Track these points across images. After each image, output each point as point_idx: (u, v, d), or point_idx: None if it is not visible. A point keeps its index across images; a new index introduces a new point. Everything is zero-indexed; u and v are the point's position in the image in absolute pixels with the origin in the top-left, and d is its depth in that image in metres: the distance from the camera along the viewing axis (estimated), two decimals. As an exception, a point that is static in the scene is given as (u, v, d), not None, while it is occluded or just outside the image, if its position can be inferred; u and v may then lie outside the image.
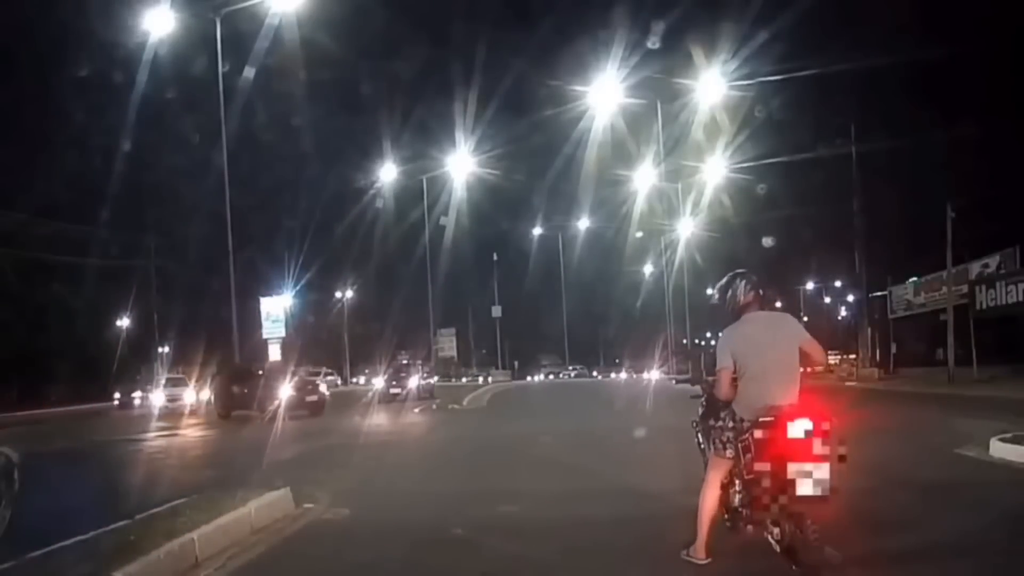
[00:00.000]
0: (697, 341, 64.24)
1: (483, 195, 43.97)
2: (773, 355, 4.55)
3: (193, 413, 25.66)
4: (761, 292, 4.76)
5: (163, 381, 26.93)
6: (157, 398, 25.62)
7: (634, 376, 61.08)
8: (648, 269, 56.40)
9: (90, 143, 35.10)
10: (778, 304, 5.08)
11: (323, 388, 23.60)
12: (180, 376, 28.48)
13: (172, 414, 24.86)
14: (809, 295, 60.03)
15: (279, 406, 20.36)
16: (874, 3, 33.31)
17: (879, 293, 39.67)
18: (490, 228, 54.28)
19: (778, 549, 4.49)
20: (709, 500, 4.80)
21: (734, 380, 4.63)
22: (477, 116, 37.56)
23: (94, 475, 10.73)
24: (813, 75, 29.04)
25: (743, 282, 4.79)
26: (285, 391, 21.24)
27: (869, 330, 37.77)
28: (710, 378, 5.41)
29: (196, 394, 27.67)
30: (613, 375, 65.44)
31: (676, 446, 7.52)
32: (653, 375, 52.63)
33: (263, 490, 6.90)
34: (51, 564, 4.88)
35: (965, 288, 29.85)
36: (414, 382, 30.76)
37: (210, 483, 8.05)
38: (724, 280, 4.88)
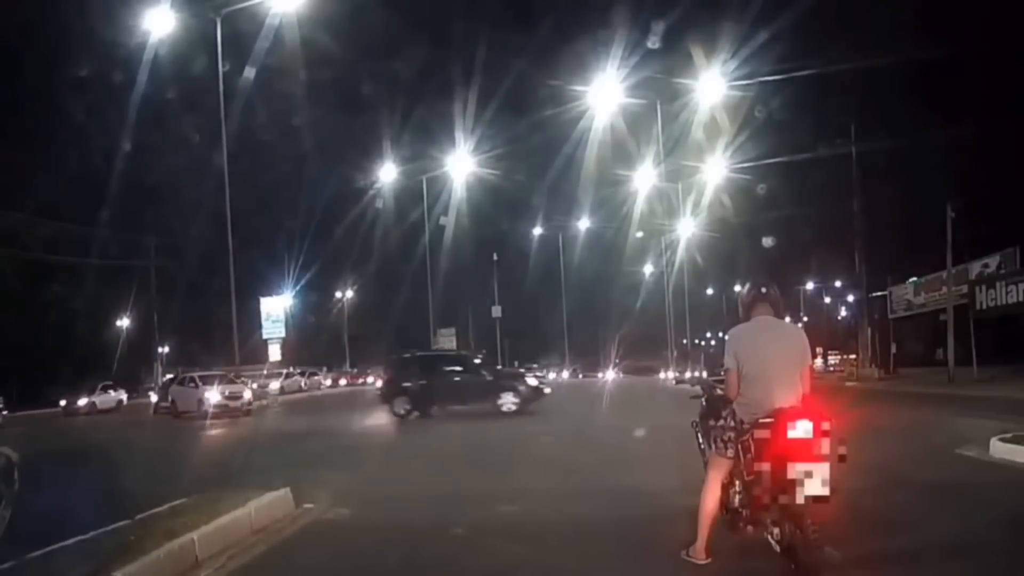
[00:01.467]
0: (697, 341, 64.29)
1: (483, 195, 43.90)
2: (775, 358, 4.56)
3: (249, 412, 24.23)
4: (764, 290, 4.79)
5: (216, 379, 25.91)
6: (212, 396, 24.33)
7: (580, 377, 60.35)
8: (648, 269, 56.44)
9: (90, 143, 35.17)
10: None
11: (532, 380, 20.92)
12: (223, 373, 27.44)
13: (228, 411, 23.42)
14: (809, 295, 60.11)
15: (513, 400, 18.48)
16: (874, 3, 33.33)
17: (879, 293, 39.69)
18: (490, 228, 54.17)
19: (778, 549, 4.49)
20: (709, 500, 4.80)
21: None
22: (477, 116, 37.46)
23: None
24: (813, 75, 29.03)
25: (749, 284, 4.85)
26: (529, 382, 19.10)
27: (869, 330, 37.79)
28: (711, 379, 5.43)
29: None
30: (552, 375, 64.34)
31: (676, 446, 7.52)
32: (608, 375, 52.28)
33: (263, 490, 6.90)
34: (51, 564, 4.88)
35: (965, 288, 29.86)
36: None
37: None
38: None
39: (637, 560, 5.24)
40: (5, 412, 29.24)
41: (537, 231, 55.89)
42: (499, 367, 20.07)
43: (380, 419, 19.09)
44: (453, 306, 56.56)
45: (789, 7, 28.87)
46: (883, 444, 9.81)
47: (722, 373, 4.80)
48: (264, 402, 31.11)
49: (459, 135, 38.57)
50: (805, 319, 52.77)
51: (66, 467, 10.63)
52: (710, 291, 60.06)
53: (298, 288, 42.65)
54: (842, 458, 4.25)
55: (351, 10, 31.72)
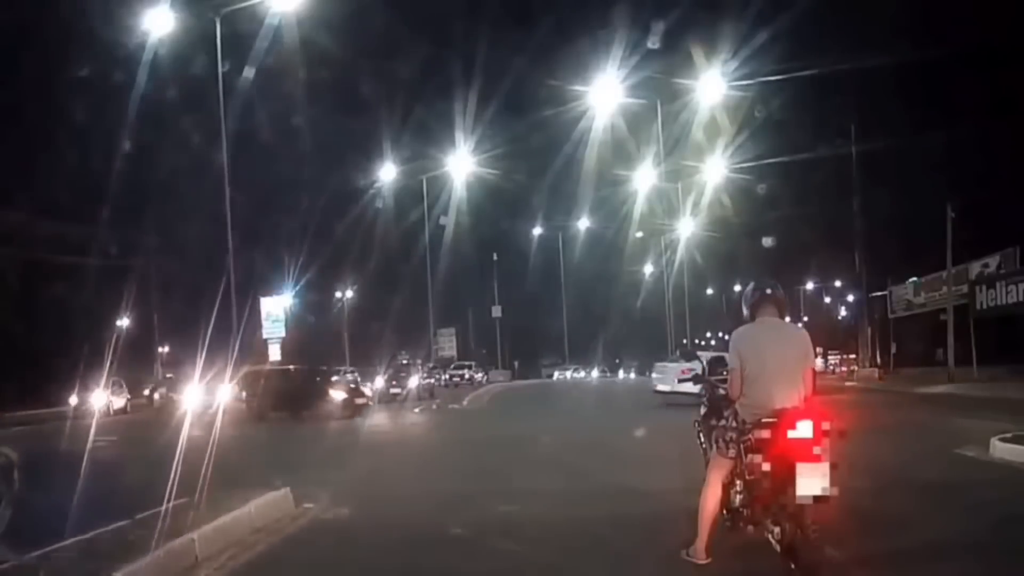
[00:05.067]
0: (697, 341, 64.23)
1: (483, 195, 43.96)
2: (776, 359, 4.56)
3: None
4: (769, 291, 4.79)
5: (387, 370, 26.08)
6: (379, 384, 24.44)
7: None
8: (648, 269, 56.41)
9: (90, 143, 35.07)
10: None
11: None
12: (360, 366, 27.37)
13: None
14: (809, 295, 60.01)
15: None
16: (874, 4, 33.31)
17: (879, 293, 39.70)
18: (490, 228, 54.21)
19: (778, 549, 4.49)
20: (710, 500, 4.80)
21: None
22: (477, 116, 37.52)
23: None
24: (813, 75, 29.07)
25: (753, 286, 4.86)
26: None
27: (869, 330, 37.80)
28: (713, 378, 5.43)
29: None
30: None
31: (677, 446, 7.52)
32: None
33: (263, 490, 6.90)
34: (51, 564, 4.88)
35: (965, 288, 29.87)
36: (414, 382, 30.83)
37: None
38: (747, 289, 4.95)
39: (637, 560, 5.24)
40: None
41: (537, 231, 55.97)
42: None
43: None
44: (453, 306, 56.61)
45: (789, 7, 28.95)
46: (883, 444, 9.82)
47: (724, 373, 4.81)
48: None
49: (459, 135, 38.67)
50: (805, 319, 52.70)
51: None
52: (710, 291, 60.04)
53: (298, 288, 42.54)
54: (842, 459, 4.26)
55: (351, 10, 31.79)
